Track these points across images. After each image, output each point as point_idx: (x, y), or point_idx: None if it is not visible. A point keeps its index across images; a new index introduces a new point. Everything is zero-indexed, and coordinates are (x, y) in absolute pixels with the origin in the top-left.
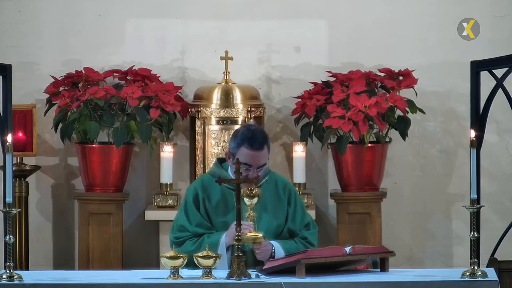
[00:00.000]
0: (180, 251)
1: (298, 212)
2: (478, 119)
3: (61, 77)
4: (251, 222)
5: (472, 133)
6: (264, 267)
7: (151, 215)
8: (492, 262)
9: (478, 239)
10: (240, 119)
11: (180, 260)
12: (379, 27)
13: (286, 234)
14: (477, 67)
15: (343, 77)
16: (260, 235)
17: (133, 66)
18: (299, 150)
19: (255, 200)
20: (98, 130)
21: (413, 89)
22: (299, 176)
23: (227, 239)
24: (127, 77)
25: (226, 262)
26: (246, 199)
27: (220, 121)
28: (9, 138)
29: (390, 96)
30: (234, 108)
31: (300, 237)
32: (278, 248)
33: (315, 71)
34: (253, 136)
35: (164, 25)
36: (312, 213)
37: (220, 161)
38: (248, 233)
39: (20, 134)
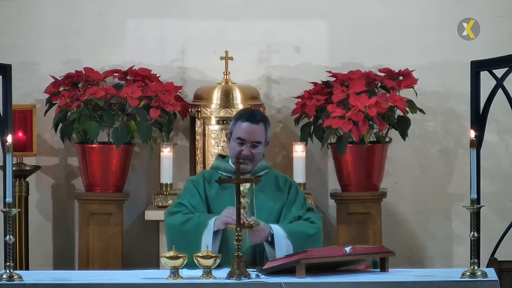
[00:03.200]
0: (170, 222)
1: (299, 199)
2: (478, 119)
3: (61, 77)
4: (244, 210)
5: (472, 133)
6: (264, 267)
7: (151, 215)
8: (492, 262)
9: (478, 239)
10: None
11: (180, 260)
12: (379, 27)
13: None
14: (477, 67)
15: (343, 77)
16: (252, 221)
17: (133, 66)
18: (299, 150)
19: (248, 185)
20: (98, 130)
21: (413, 89)
22: (299, 176)
23: (217, 222)
24: (127, 77)
25: (210, 244)
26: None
27: (220, 121)
28: (9, 138)
29: (390, 96)
30: (234, 108)
31: (303, 218)
32: (277, 229)
33: (315, 71)
34: (251, 112)
35: (164, 25)
36: None
37: (222, 157)
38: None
39: (20, 134)
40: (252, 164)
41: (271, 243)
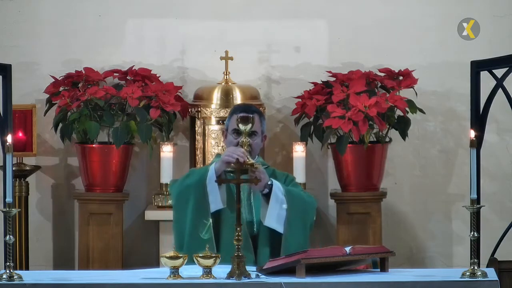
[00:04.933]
0: (173, 186)
1: (293, 184)
2: (478, 119)
3: (61, 77)
4: (245, 149)
5: (472, 133)
6: (264, 267)
7: (151, 215)
8: (492, 262)
9: (478, 239)
10: None
11: (180, 260)
12: (379, 27)
13: None
14: (477, 67)
15: (343, 77)
16: (253, 161)
17: (133, 66)
18: (299, 150)
19: (249, 126)
20: (98, 130)
21: (413, 89)
22: (299, 176)
23: (217, 164)
24: (127, 77)
25: (216, 189)
26: (240, 125)
27: (220, 121)
28: (9, 138)
29: (390, 96)
30: None
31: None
32: (276, 182)
33: (315, 71)
34: (244, 105)
35: (164, 25)
36: None
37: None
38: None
39: (20, 134)
40: (251, 156)
41: (267, 198)
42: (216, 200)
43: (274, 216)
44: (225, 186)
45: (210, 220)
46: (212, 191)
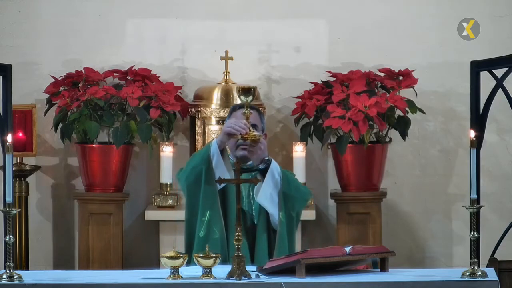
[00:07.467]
0: (180, 173)
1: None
2: (478, 119)
3: (61, 77)
4: (247, 121)
5: (472, 133)
6: (264, 267)
7: (151, 215)
8: (492, 262)
9: (478, 239)
10: None
11: (180, 260)
12: (379, 27)
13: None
14: (477, 67)
15: (343, 77)
16: (256, 133)
17: (133, 66)
18: (299, 150)
19: (250, 98)
20: (98, 130)
21: (413, 89)
22: (299, 176)
23: (219, 137)
24: (127, 77)
25: (221, 161)
26: (242, 97)
27: (220, 121)
28: (9, 138)
29: (390, 96)
30: None
31: None
32: (274, 164)
33: (315, 71)
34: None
35: (164, 25)
36: (312, 213)
37: None
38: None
39: (20, 134)
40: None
41: (263, 175)
42: (223, 171)
43: (267, 194)
44: (228, 159)
45: (207, 217)
46: (217, 164)
